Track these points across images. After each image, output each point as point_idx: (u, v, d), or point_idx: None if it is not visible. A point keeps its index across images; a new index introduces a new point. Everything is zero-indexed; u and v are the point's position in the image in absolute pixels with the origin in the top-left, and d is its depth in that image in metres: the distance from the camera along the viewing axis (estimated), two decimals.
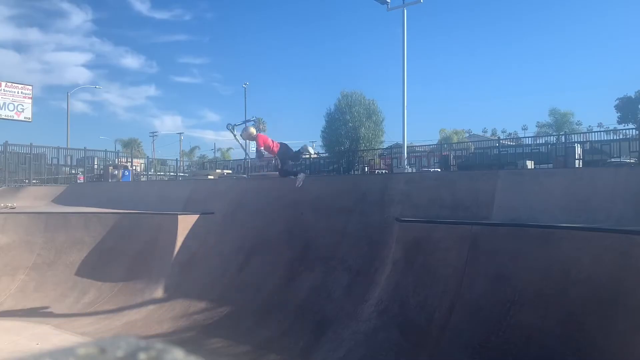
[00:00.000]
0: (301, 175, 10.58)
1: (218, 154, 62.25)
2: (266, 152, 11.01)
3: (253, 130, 11.16)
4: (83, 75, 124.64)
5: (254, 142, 11.02)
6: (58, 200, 16.62)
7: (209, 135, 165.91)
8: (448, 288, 6.68)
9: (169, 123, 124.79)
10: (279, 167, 11.06)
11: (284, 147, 10.85)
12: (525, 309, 5.81)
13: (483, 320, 6.06)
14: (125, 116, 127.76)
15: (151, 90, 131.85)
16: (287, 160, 10.97)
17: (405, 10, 24.08)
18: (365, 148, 29.82)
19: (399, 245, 7.63)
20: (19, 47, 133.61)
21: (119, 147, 51.44)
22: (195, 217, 11.45)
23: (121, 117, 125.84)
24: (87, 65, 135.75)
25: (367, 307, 7.38)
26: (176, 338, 8.21)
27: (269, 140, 10.78)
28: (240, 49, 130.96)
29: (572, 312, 5.49)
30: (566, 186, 7.21)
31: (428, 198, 8.48)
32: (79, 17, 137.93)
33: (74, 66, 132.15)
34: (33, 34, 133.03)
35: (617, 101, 50.35)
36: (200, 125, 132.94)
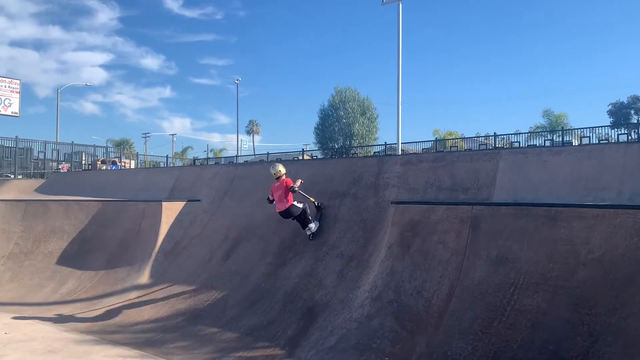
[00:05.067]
0: (313, 226, 8.56)
1: (211, 154, 61.74)
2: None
3: (281, 170, 8.72)
4: (99, 77, 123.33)
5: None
6: (41, 189, 16.05)
7: (216, 138, 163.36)
8: (447, 272, 6.23)
9: (177, 125, 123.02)
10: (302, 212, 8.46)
11: (296, 208, 8.45)
12: (531, 293, 5.37)
13: (485, 305, 5.61)
14: (134, 118, 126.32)
15: (166, 92, 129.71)
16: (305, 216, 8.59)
17: (400, 5, 23.72)
18: (358, 145, 29.39)
19: (394, 229, 7.18)
20: (39, 46, 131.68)
21: (111, 147, 50.71)
22: (180, 204, 10.97)
23: (130, 118, 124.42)
24: (105, 66, 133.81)
25: (361, 293, 6.92)
26: (157, 326, 7.73)
27: (275, 194, 8.63)
28: (260, 50, 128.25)
29: (582, 295, 5.05)
30: (573, 165, 6.80)
31: (425, 180, 8.05)
32: (105, 15, 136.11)
33: (90, 67, 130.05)
34: (55, 32, 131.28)
35: (610, 106, 50.48)
36: (209, 127, 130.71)
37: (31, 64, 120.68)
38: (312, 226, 8.52)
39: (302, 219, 8.52)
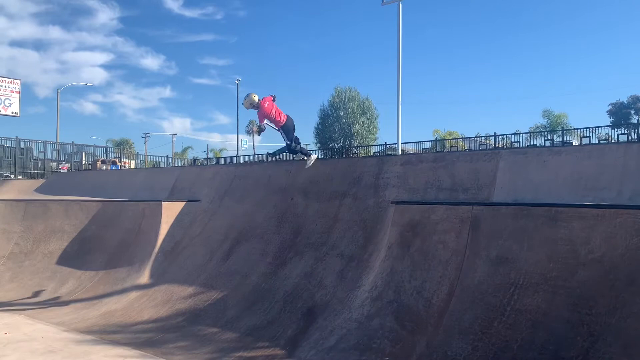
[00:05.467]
0: (313, 156, 9.59)
1: (211, 154, 61.81)
2: (271, 124, 9.58)
3: (255, 97, 9.40)
4: (99, 76, 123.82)
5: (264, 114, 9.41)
6: (41, 189, 16.06)
7: (216, 138, 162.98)
8: (447, 272, 6.23)
9: (178, 125, 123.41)
10: (287, 143, 9.56)
11: (291, 120, 9.53)
12: (531, 293, 5.37)
13: (485, 306, 5.61)
14: (134, 118, 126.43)
15: (166, 92, 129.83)
16: (294, 136, 9.60)
17: (400, 5, 23.74)
18: (358, 145, 29.38)
19: (394, 229, 7.18)
20: (39, 46, 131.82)
21: (110, 147, 50.71)
22: (180, 204, 10.97)
23: (130, 119, 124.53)
24: (105, 66, 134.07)
25: (361, 293, 6.92)
26: (157, 326, 7.73)
27: (274, 111, 9.31)
28: (260, 50, 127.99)
29: (582, 295, 5.06)
30: (573, 165, 6.80)
31: (425, 180, 8.05)
32: (105, 15, 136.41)
33: (90, 67, 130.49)
34: (55, 32, 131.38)
35: (610, 106, 50.55)
36: (209, 127, 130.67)
37: (31, 64, 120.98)
38: (313, 156, 9.57)
39: (299, 148, 9.42)
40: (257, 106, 9.33)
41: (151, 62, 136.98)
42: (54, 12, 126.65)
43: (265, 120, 9.43)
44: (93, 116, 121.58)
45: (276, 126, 9.41)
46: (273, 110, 9.25)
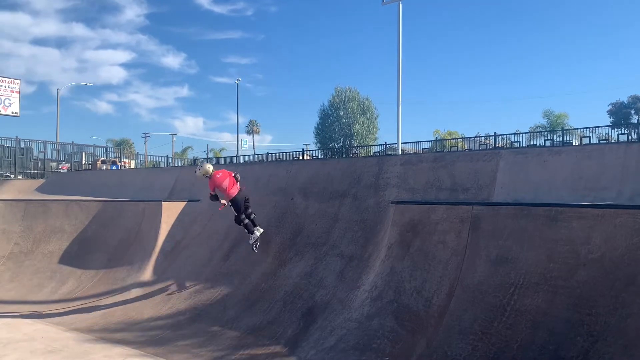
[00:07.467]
0: (257, 233, 8.71)
1: (211, 154, 61.81)
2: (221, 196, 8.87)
3: (209, 167, 9.03)
4: (117, 75, 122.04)
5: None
6: (41, 189, 16.05)
7: (226, 138, 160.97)
8: (447, 272, 6.22)
9: (190, 125, 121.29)
10: (235, 215, 8.79)
11: (243, 196, 8.78)
12: (531, 293, 5.37)
13: (485, 306, 5.61)
14: (147, 117, 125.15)
15: (183, 91, 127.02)
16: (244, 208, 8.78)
17: (400, 5, 23.73)
18: (358, 145, 29.37)
19: (394, 229, 7.18)
20: (60, 44, 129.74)
21: (110, 147, 50.66)
22: (181, 204, 10.98)
23: (144, 118, 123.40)
24: (126, 65, 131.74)
25: (361, 293, 6.92)
26: (157, 325, 7.74)
27: (225, 184, 8.71)
28: (263, 49, 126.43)
29: (582, 295, 5.05)
30: (573, 165, 6.80)
31: (425, 180, 8.05)
32: (132, 12, 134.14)
33: (109, 65, 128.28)
34: (78, 30, 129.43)
35: (610, 106, 50.46)
36: (221, 127, 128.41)
37: (51, 63, 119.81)
38: (257, 233, 8.65)
39: (249, 215, 8.71)
40: (210, 176, 8.88)
41: (172, 60, 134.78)
42: (81, 9, 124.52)
43: (216, 190, 8.86)
44: (106, 115, 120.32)
45: (225, 199, 8.78)
46: (224, 183, 8.71)
